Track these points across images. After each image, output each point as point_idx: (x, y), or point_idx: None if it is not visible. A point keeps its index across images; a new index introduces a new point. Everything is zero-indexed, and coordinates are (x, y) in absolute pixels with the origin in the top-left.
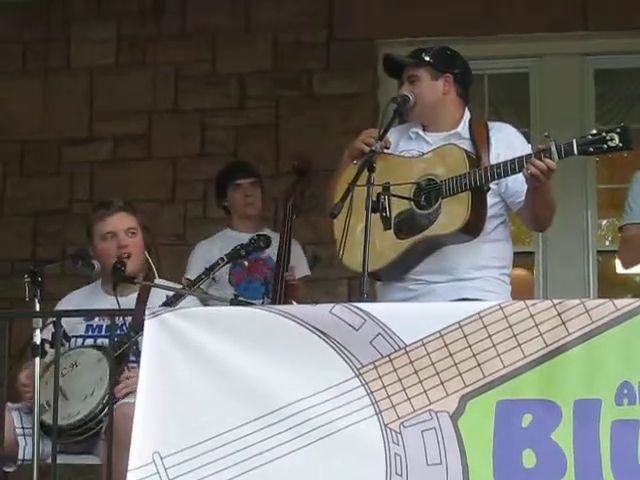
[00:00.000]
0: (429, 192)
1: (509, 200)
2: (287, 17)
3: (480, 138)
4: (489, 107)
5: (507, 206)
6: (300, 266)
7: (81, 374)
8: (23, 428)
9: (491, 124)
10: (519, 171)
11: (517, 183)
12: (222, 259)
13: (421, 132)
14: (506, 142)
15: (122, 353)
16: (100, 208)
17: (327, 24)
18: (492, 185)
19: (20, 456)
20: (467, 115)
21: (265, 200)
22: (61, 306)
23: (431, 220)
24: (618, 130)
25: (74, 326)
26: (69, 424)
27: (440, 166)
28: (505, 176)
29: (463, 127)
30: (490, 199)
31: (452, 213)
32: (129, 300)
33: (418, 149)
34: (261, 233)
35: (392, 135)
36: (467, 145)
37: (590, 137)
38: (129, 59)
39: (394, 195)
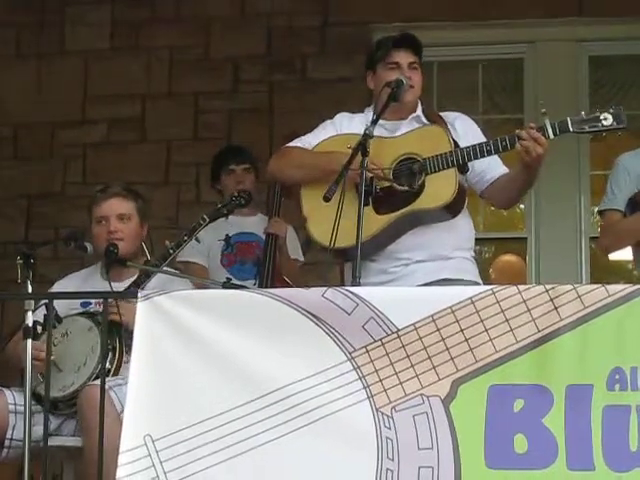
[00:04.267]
0: (412, 170)
1: (475, 180)
2: (282, 1)
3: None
4: (483, 93)
5: (471, 187)
6: (292, 250)
7: (72, 344)
8: (15, 405)
9: (444, 114)
10: (511, 147)
11: (483, 163)
12: (203, 219)
13: (380, 120)
14: (467, 127)
15: (113, 321)
16: (99, 192)
17: (322, 8)
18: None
19: (9, 435)
20: (420, 105)
21: (258, 185)
22: (58, 288)
23: (415, 196)
24: (611, 110)
25: (71, 310)
26: (64, 396)
27: (422, 145)
28: (496, 153)
29: (420, 113)
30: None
31: (438, 189)
32: (125, 285)
33: (377, 134)
34: (242, 189)
35: (352, 122)
36: None
37: (584, 116)
38: (123, 43)
39: (381, 178)
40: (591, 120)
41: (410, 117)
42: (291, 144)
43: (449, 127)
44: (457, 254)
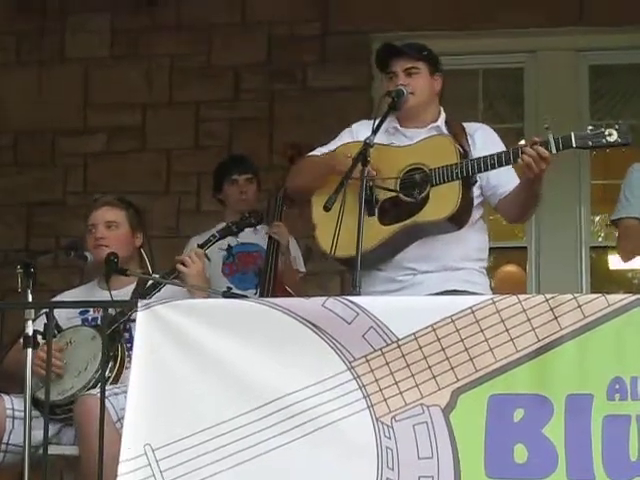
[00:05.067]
0: (418, 181)
1: (489, 193)
2: (283, 10)
3: (460, 137)
4: (484, 102)
5: (486, 199)
6: (293, 261)
7: (75, 351)
8: (13, 410)
9: (467, 124)
10: (514, 161)
11: (498, 176)
12: (214, 236)
13: (399, 127)
14: (487, 139)
15: (115, 330)
16: (93, 202)
17: (322, 17)
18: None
19: (5, 440)
20: (443, 114)
21: (260, 195)
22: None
23: (418, 207)
24: (616, 126)
25: (69, 320)
26: (61, 400)
27: (429, 155)
28: (499, 166)
29: (441, 123)
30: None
31: (442, 201)
32: (123, 293)
33: (398, 143)
34: (253, 210)
35: (366, 129)
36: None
37: (589, 132)
38: (124, 51)
39: (383, 188)
40: (595, 136)
41: (429, 126)
42: (308, 154)
43: (468, 138)
44: (466, 265)
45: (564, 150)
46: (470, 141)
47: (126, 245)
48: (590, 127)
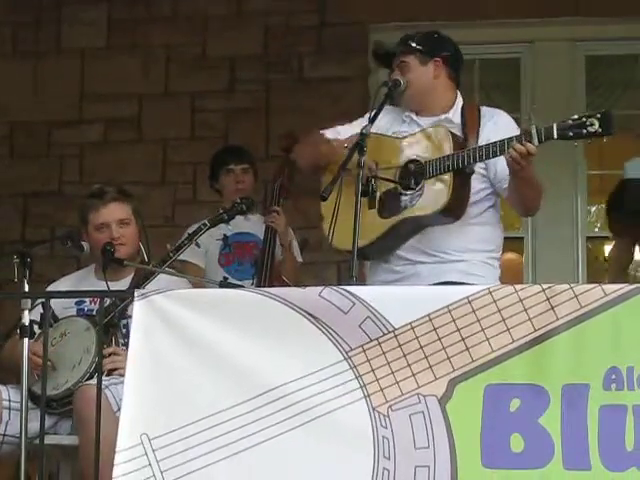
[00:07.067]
0: (414, 173)
1: (498, 185)
2: (279, 0)
3: (471, 123)
4: (480, 92)
5: (496, 191)
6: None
7: (69, 343)
8: (10, 401)
9: (484, 109)
10: (500, 154)
11: (506, 169)
12: (205, 224)
13: (414, 116)
14: (496, 128)
15: (110, 321)
16: (94, 197)
17: (319, 8)
18: (479, 169)
19: (2, 431)
20: (460, 100)
21: (256, 186)
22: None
23: (412, 201)
24: (598, 115)
25: (65, 310)
26: (57, 394)
27: (426, 147)
28: (487, 159)
29: (454, 112)
30: (478, 184)
31: (433, 195)
32: (121, 285)
33: (410, 132)
34: (244, 196)
35: (385, 117)
36: (457, 130)
37: (571, 122)
38: (120, 41)
39: (383, 178)
40: (576, 126)
41: (439, 117)
42: (324, 130)
43: (481, 123)
44: (464, 257)
45: (546, 142)
46: (478, 128)
47: (136, 240)
48: (575, 116)
